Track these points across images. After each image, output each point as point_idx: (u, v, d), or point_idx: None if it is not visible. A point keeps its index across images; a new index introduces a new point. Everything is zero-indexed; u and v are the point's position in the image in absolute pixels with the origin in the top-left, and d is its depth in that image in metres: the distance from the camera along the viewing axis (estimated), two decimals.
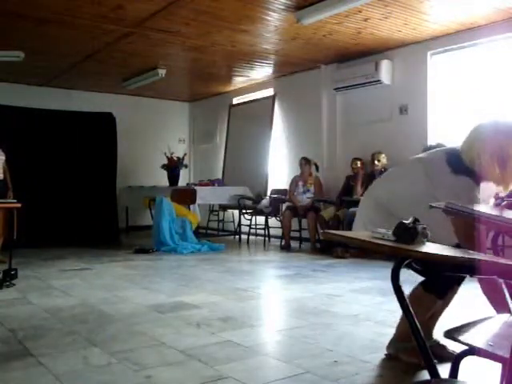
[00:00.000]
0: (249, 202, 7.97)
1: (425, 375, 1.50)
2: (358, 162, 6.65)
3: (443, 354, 2.35)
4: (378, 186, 2.63)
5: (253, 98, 9.03)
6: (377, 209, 2.46)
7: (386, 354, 2.50)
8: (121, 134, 8.36)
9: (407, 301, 1.48)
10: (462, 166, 2.28)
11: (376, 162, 6.36)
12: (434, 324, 2.56)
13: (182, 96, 10.04)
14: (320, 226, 6.73)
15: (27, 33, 5.88)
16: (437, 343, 2.49)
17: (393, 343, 2.51)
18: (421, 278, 2.40)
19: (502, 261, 1.36)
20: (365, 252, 5.81)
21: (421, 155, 2.59)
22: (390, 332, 2.91)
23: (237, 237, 8.21)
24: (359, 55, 6.82)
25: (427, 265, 1.90)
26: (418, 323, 1.46)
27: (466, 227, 2.09)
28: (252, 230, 7.95)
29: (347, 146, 7.21)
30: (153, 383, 2.18)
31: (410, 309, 1.47)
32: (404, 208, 2.27)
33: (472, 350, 1.37)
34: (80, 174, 7.67)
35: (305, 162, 7.13)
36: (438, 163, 2.37)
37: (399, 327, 2.52)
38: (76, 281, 4.63)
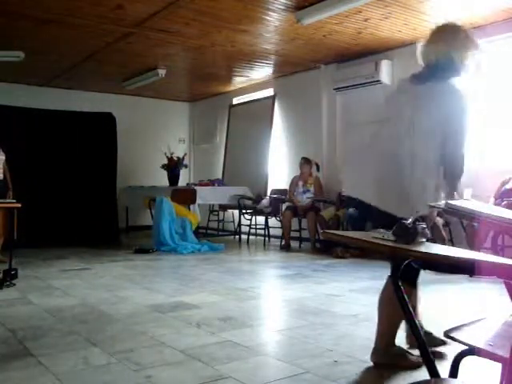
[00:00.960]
0: (249, 202, 7.96)
1: (425, 375, 1.50)
2: None
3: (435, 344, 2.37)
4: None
5: (253, 98, 9.03)
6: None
7: (374, 363, 2.37)
8: (121, 134, 8.35)
9: (407, 302, 1.48)
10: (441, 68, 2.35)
11: None
12: (418, 317, 2.49)
13: (182, 96, 10.04)
14: (320, 226, 6.73)
15: (27, 33, 5.88)
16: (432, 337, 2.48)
17: (380, 352, 2.37)
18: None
19: (502, 261, 1.36)
20: (365, 252, 5.81)
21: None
22: None
23: (237, 237, 8.21)
24: (359, 55, 6.82)
25: (426, 265, 1.91)
26: (417, 323, 1.46)
27: None
28: (252, 230, 7.95)
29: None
30: (153, 383, 2.18)
31: (410, 309, 1.47)
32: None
33: (472, 350, 1.37)
34: (80, 174, 7.67)
35: (304, 162, 7.14)
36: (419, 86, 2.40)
37: (379, 332, 2.41)
38: (76, 281, 4.63)
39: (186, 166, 8.91)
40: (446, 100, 2.32)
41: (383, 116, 2.43)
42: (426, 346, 1.47)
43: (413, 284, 2.34)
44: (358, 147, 2.34)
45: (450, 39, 2.36)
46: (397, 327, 2.35)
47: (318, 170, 7.22)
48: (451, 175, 2.43)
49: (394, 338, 2.38)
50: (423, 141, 2.29)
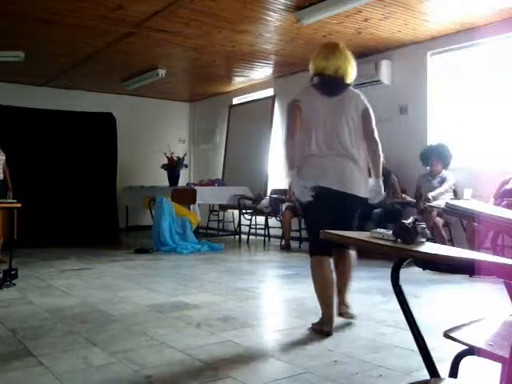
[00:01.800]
0: (249, 202, 7.97)
1: (425, 375, 1.50)
2: None
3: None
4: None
5: (253, 98, 9.03)
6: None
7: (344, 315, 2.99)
8: (121, 134, 8.35)
9: (407, 302, 1.48)
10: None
11: None
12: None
13: (182, 96, 10.04)
14: None
15: (27, 33, 5.88)
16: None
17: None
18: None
19: (502, 261, 1.36)
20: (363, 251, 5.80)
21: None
22: (390, 332, 2.92)
23: (237, 237, 8.21)
24: (359, 55, 6.79)
25: (426, 265, 1.91)
26: (416, 322, 1.46)
27: None
28: (252, 230, 7.95)
29: None
30: (153, 383, 2.18)
31: (410, 308, 1.47)
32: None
33: (472, 350, 1.37)
34: (80, 174, 7.67)
35: None
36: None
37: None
38: (76, 281, 4.63)
39: (186, 166, 8.91)
40: (358, 102, 3.03)
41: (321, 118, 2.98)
42: (427, 346, 1.47)
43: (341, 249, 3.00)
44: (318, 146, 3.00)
45: (347, 55, 3.08)
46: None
47: None
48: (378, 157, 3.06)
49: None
50: (354, 135, 2.98)
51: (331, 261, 2.99)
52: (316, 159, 2.94)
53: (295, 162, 2.97)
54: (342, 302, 3.08)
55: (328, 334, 2.88)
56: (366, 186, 3.01)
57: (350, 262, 3.09)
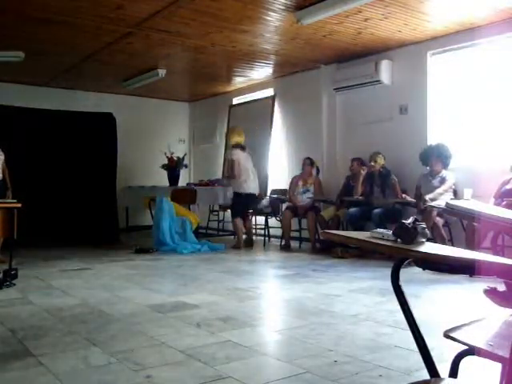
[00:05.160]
0: None
1: (425, 375, 1.50)
2: (355, 163, 6.64)
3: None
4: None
5: (253, 98, 9.03)
6: None
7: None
8: (121, 134, 8.34)
9: (406, 301, 1.48)
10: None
11: (372, 163, 6.30)
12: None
13: (182, 96, 10.04)
14: (320, 225, 6.73)
15: (27, 33, 5.88)
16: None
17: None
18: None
19: (502, 261, 1.36)
20: (364, 251, 5.81)
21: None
22: (390, 332, 2.92)
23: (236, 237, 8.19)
24: (359, 55, 6.83)
25: (426, 265, 1.91)
26: (416, 322, 1.46)
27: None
28: (252, 230, 7.94)
29: (347, 146, 7.22)
30: (153, 383, 2.19)
31: (410, 308, 1.47)
32: None
33: (472, 350, 1.37)
34: (80, 174, 7.66)
35: (310, 162, 7.10)
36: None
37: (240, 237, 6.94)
38: (76, 281, 4.63)
39: (186, 166, 8.91)
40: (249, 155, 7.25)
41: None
42: (427, 346, 1.47)
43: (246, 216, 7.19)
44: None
45: (242, 132, 7.19)
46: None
47: (317, 173, 7.20)
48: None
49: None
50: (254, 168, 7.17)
51: (242, 220, 6.94)
52: (242, 180, 6.92)
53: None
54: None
55: (239, 248, 6.87)
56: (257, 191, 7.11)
57: (250, 224, 7.21)
